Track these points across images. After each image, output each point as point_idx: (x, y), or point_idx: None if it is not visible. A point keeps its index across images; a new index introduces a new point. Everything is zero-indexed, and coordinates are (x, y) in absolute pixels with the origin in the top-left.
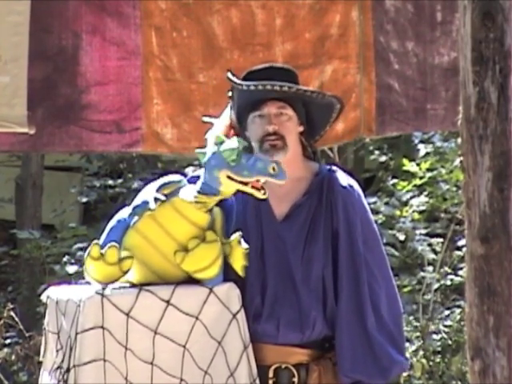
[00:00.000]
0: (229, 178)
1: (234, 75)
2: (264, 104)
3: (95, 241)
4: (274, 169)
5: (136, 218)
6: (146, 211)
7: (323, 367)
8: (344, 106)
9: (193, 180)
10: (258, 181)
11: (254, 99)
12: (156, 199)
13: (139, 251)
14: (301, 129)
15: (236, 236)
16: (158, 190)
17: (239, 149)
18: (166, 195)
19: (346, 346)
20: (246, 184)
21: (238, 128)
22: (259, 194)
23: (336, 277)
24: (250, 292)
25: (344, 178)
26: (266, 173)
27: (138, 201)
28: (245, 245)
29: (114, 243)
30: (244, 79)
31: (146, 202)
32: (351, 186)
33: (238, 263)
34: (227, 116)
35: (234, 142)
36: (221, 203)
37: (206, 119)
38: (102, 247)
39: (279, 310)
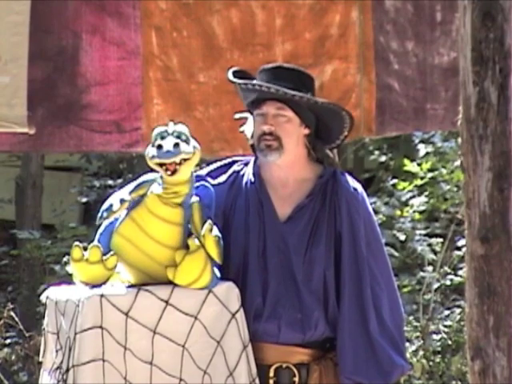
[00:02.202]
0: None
1: (240, 71)
2: (263, 103)
3: (76, 243)
4: (160, 146)
5: (107, 221)
6: (111, 214)
7: (324, 367)
8: (349, 114)
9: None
10: (174, 163)
11: (254, 98)
12: (122, 200)
13: (126, 254)
14: (305, 131)
15: (206, 225)
16: (131, 192)
17: (164, 131)
18: (142, 196)
19: (348, 349)
20: (161, 166)
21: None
22: (165, 174)
23: (338, 279)
24: (250, 292)
25: (348, 181)
26: (156, 154)
27: (105, 205)
28: (216, 232)
29: (96, 243)
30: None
31: (111, 205)
32: (355, 189)
33: (213, 251)
34: None
35: (162, 127)
36: (199, 193)
37: (237, 116)
38: (85, 249)
39: (281, 311)
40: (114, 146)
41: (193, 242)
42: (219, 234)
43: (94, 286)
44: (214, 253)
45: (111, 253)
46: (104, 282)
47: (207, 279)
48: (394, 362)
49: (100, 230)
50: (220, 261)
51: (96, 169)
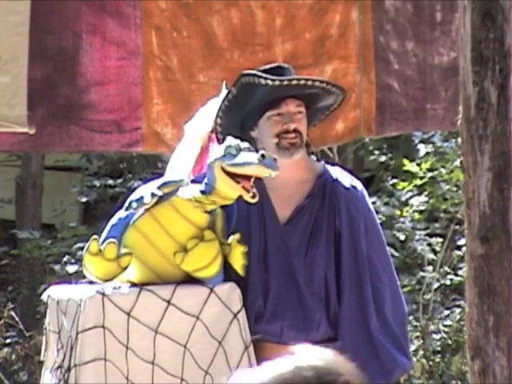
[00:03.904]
0: (223, 170)
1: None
2: (283, 102)
3: (94, 236)
4: (263, 156)
5: (134, 213)
6: (141, 205)
7: None
8: (345, 97)
9: (199, 180)
10: (248, 182)
11: (274, 98)
12: (153, 194)
13: (138, 249)
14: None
15: (236, 236)
16: (159, 188)
17: (239, 145)
18: (166, 194)
19: (349, 349)
20: (237, 182)
21: (237, 130)
22: (248, 196)
23: (339, 279)
24: (251, 294)
25: (347, 180)
26: (256, 161)
27: (134, 196)
28: (244, 245)
29: (112, 239)
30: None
31: (142, 197)
32: (354, 187)
33: (238, 262)
34: (208, 122)
35: (235, 140)
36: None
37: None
38: (101, 243)
39: (282, 312)
40: (114, 146)
41: (209, 233)
42: (246, 248)
43: (104, 280)
44: (239, 264)
45: (126, 251)
46: (113, 279)
47: (215, 269)
48: (396, 361)
49: (112, 222)
50: (243, 274)
51: (96, 169)
